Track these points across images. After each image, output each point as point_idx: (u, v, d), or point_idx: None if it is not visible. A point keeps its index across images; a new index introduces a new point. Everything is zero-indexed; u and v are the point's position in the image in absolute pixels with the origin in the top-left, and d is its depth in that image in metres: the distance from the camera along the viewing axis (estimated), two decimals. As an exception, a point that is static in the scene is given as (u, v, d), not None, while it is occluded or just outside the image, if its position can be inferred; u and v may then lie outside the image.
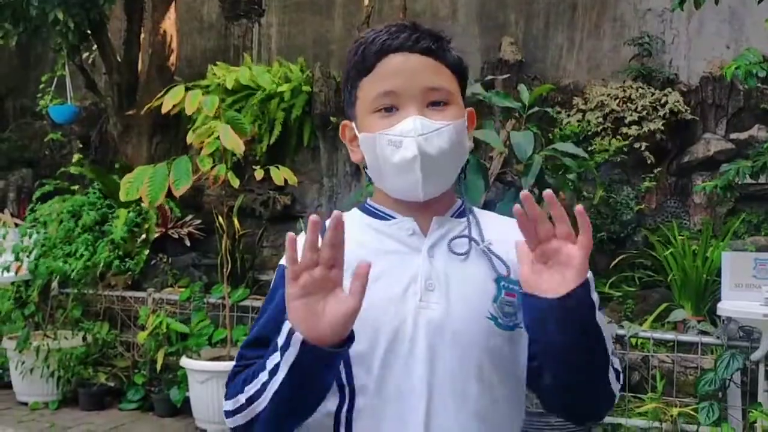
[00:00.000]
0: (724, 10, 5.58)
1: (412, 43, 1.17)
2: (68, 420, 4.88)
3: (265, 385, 1.06)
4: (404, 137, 1.13)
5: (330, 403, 1.12)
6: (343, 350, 1.03)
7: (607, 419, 4.16)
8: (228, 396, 1.13)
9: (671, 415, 3.87)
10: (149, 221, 5.77)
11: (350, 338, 1.03)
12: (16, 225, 5.79)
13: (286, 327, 1.02)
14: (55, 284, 5.34)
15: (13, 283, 5.33)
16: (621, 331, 4.30)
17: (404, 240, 1.18)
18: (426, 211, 1.20)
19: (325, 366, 1.04)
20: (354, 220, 1.22)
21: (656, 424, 3.92)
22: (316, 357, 1.01)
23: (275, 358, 1.04)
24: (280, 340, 1.03)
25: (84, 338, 5.23)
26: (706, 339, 4.16)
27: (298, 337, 1.00)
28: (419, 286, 1.14)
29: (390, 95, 1.16)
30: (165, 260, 5.84)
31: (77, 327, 5.28)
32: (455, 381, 1.12)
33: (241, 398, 1.09)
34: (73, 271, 5.12)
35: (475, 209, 1.26)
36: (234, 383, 1.13)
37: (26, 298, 5.27)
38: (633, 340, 4.31)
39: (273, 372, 1.05)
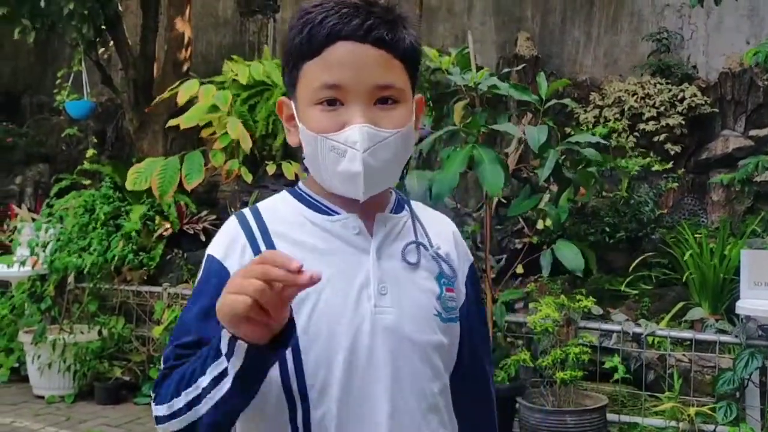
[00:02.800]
0: (744, 5, 5.51)
1: (364, 32, 1.07)
2: (84, 413, 4.92)
3: (207, 390, 0.99)
4: (349, 148, 1.06)
5: (278, 412, 1.07)
6: (287, 344, 0.97)
7: (623, 418, 4.14)
8: (160, 399, 1.05)
9: (688, 415, 3.83)
10: (171, 216, 5.80)
11: (291, 327, 0.96)
12: (33, 220, 5.83)
13: (226, 335, 0.95)
14: (71, 279, 5.37)
15: (29, 278, 5.37)
16: (638, 330, 4.26)
17: (350, 240, 1.12)
18: (365, 207, 1.13)
19: (273, 362, 0.99)
20: (288, 209, 1.15)
21: (673, 423, 3.89)
22: (264, 359, 0.96)
23: (220, 364, 0.97)
24: (223, 348, 0.96)
25: (100, 332, 5.26)
26: (724, 338, 4.11)
27: (242, 345, 0.94)
28: (372, 291, 1.10)
29: (335, 88, 1.07)
30: (180, 255, 5.86)
31: (93, 321, 5.31)
32: (415, 381, 1.11)
33: (178, 402, 1.02)
34: (87, 265, 5.15)
35: (412, 202, 1.22)
36: (165, 384, 1.05)
37: (42, 293, 5.31)
38: (650, 339, 4.27)
39: (217, 379, 0.98)
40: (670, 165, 5.30)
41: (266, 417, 1.08)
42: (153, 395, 1.08)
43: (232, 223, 1.15)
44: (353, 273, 1.11)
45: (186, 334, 1.09)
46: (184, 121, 4.31)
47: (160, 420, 1.05)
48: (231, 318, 0.91)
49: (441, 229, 1.22)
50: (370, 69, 1.08)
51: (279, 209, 1.16)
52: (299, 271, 0.88)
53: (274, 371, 1.05)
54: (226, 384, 0.97)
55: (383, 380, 1.09)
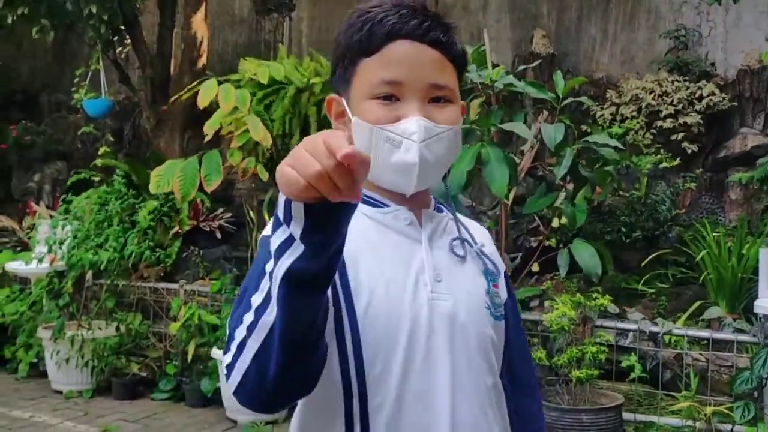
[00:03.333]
0: (763, 2, 5.46)
1: (423, 32, 1.11)
2: (102, 409, 4.96)
3: (272, 279, 0.91)
4: (405, 139, 1.09)
5: (335, 401, 1.07)
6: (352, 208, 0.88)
7: (640, 417, 4.12)
8: (227, 348, 0.99)
9: (705, 414, 3.81)
10: (182, 214, 5.83)
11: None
12: (51, 217, 5.89)
13: (281, 198, 0.87)
14: (89, 275, 5.42)
15: (47, 274, 5.43)
16: (654, 328, 4.24)
17: (402, 230, 1.15)
18: (411, 203, 1.17)
19: (337, 218, 0.86)
20: None
21: (690, 422, 3.86)
22: (327, 212, 0.85)
23: (282, 234, 0.88)
24: (280, 213, 0.88)
25: (117, 328, 5.31)
26: (741, 337, 4.08)
27: (298, 204, 0.85)
28: (428, 277, 1.12)
29: (393, 84, 1.10)
30: (196, 253, 5.90)
31: (111, 317, 5.36)
32: (473, 373, 1.13)
33: (248, 318, 0.96)
34: (104, 262, 5.19)
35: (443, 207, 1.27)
36: (231, 334, 0.99)
37: (60, 289, 5.37)
38: (666, 338, 4.25)
39: (282, 249, 0.88)
40: (677, 162, 5.25)
41: (324, 407, 1.08)
42: (226, 371, 1.00)
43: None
44: (408, 261, 1.13)
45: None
46: (208, 127, 4.39)
47: (230, 367, 0.97)
48: (286, 189, 0.84)
49: (479, 231, 1.28)
50: (427, 68, 1.11)
51: None
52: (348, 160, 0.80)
53: (333, 358, 1.04)
54: (296, 250, 0.87)
55: (442, 370, 1.10)
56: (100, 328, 5.28)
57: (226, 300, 5.21)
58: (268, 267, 0.93)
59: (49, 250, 5.32)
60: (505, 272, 1.29)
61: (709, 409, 3.81)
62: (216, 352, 4.76)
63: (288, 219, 0.87)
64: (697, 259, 4.87)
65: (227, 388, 4.74)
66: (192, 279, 5.70)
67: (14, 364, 5.65)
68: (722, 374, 4.20)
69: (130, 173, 6.00)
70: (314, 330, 0.95)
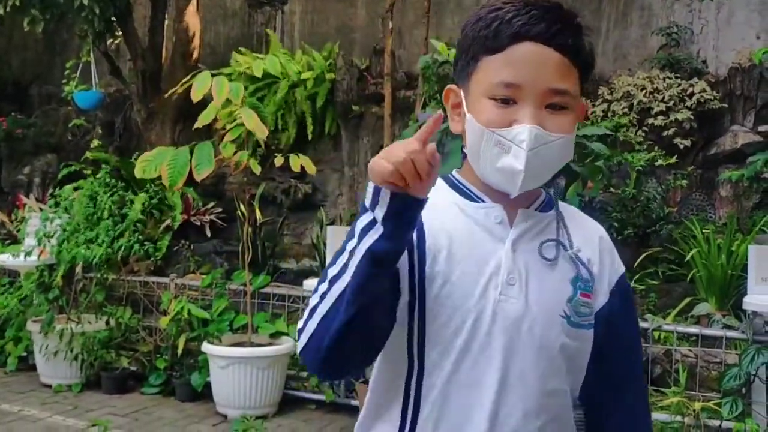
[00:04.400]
0: (755, 0, 5.48)
1: (550, 36, 1.10)
2: (91, 403, 4.95)
3: (351, 255, 1.04)
4: (514, 145, 1.10)
5: (399, 371, 1.15)
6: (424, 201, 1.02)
7: (628, 412, 4.13)
8: (304, 318, 1.10)
9: (694, 410, 3.83)
10: (175, 209, 5.82)
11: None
12: (41, 210, 5.85)
13: (371, 186, 1.02)
14: (78, 269, 5.40)
15: (37, 268, 5.40)
16: (644, 324, 4.26)
17: (491, 228, 1.16)
18: (513, 200, 1.17)
19: (414, 209, 1.02)
20: (439, 194, 1.17)
21: (678, 418, 3.88)
22: (406, 203, 1.00)
23: (365, 218, 1.03)
24: (367, 201, 1.02)
25: (107, 322, 5.29)
26: (730, 333, 4.10)
27: (386, 191, 0.99)
28: (501, 279, 1.13)
29: (511, 87, 1.11)
30: (187, 247, 5.88)
31: (101, 311, 5.34)
32: (526, 376, 1.12)
33: (322, 287, 1.07)
34: (94, 257, 5.17)
35: (561, 204, 1.25)
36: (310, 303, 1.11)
37: (50, 283, 5.34)
38: (656, 334, 4.27)
39: (366, 230, 1.02)
40: (674, 159, 5.28)
41: (392, 379, 1.17)
42: (297, 335, 1.13)
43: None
44: (486, 259, 1.14)
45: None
46: (201, 120, 4.36)
47: (301, 332, 1.10)
48: (379, 177, 0.99)
49: (587, 234, 1.23)
50: (549, 72, 1.11)
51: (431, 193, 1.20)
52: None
53: (404, 335, 1.14)
54: (377, 231, 1.01)
55: (494, 368, 1.11)
56: (89, 322, 5.25)
57: (217, 294, 5.20)
58: (350, 245, 1.04)
59: (39, 243, 5.29)
60: (621, 277, 1.24)
61: (697, 405, 3.83)
62: (206, 347, 4.75)
63: (374, 205, 1.01)
64: (687, 257, 4.89)
65: (217, 382, 4.76)
66: (182, 273, 5.68)
67: (3, 358, 5.62)
68: (711, 370, 4.22)
69: (119, 167, 5.98)
70: (379, 301, 1.06)
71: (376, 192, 1.00)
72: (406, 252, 1.09)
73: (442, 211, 1.17)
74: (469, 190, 1.20)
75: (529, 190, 1.16)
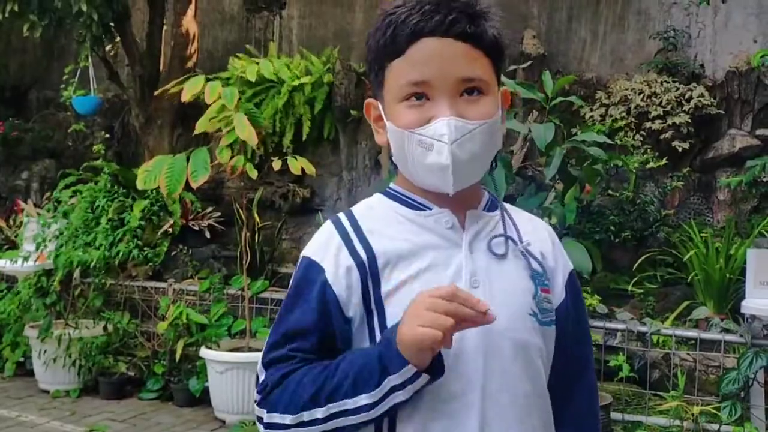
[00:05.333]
0: (752, 4, 5.49)
1: (446, 27, 1.09)
2: (89, 408, 4.93)
3: (361, 408, 1.05)
4: (436, 141, 1.08)
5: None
6: (442, 371, 1.06)
7: (627, 417, 4.13)
8: (275, 407, 1.09)
9: (692, 414, 3.82)
10: (174, 215, 5.81)
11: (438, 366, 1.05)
12: (39, 215, 5.85)
13: (407, 369, 1.02)
14: (76, 274, 5.39)
15: (35, 273, 5.39)
16: (643, 328, 4.25)
17: (443, 233, 1.14)
18: (457, 203, 1.15)
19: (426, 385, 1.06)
20: (381, 208, 1.18)
21: (677, 422, 3.88)
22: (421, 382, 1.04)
23: (384, 386, 1.03)
24: (400, 379, 1.03)
25: (105, 328, 5.28)
26: (729, 337, 4.10)
27: (411, 369, 1.02)
28: (464, 283, 1.10)
29: (421, 85, 1.10)
30: (185, 252, 5.88)
31: (98, 316, 5.33)
32: (507, 379, 1.10)
33: (314, 414, 1.06)
34: (93, 261, 5.16)
35: (505, 204, 1.24)
36: (284, 393, 1.08)
37: (48, 288, 5.33)
38: (654, 338, 4.26)
39: (383, 398, 1.04)
40: (664, 161, 5.27)
41: None
42: (260, 400, 1.11)
43: (326, 226, 1.18)
44: (445, 266, 1.12)
45: (301, 337, 1.11)
46: (199, 127, 4.37)
47: (275, 427, 1.09)
48: (420, 346, 1.00)
49: (534, 229, 1.22)
50: (454, 63, 1.09)
51: (373, 208, 1.19)
52: (485, 312, 0.98)
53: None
54: (393, 399, 1.04)
55: (473, 373, 1.09)
56: (87, 327, 5.24)
57: (215, 299, 5.19)
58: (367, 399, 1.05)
59: (37, 248, 5.28)
60: (571, 273, 1.23)
61: (696, 409, 3.83)
62: (204, 352, 4.74)
63: (403, 385, 1.03)
64: (684, 260, 4.89)
65: (216, 387, 4.74)
66: (180, 278, 5.67)
67: (1, 363, 5.61)
68: (709, 374, 4.22)
69: (117, 174, 5.98)
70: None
71: (415, 377, 1.02)
72: (355, 277, 1.10)
73: (389, 225, 1.15)
74: (413, 200, 1.17)
75: (469, 191, 1.15)
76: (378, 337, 1.09)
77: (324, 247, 1.14)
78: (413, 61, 1.10)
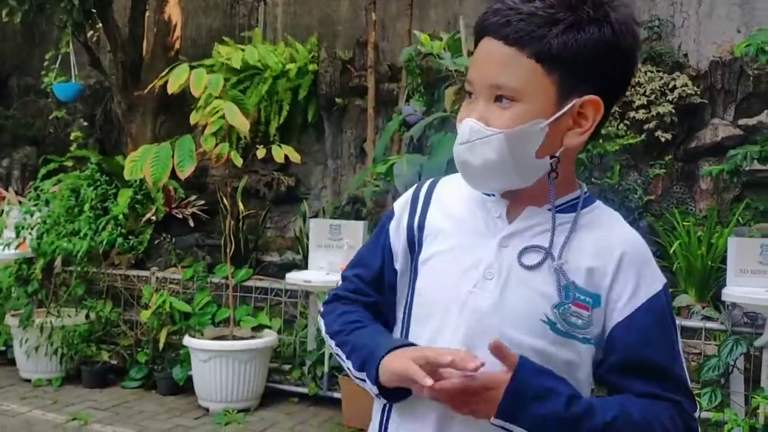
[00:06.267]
0: (736, -6, 5.51)
1: (498, 28, 1.08)
2: (71, 397, 4.91)
3: (350, 369, 1.21)
4: (457, 140, 1.14)
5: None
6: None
7: (609, 403, 4.17)
8: (325, 320, 1.29)
9: (673, 400, 3.86)
10: (156, 202, 5.76)
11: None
12: (20, 203, 5.79)
13: (373, 390, 1.17)
14: (58, 262, 5.34)
15: (16, 261, 5.34)
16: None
17: (489, 221, 1.17)
18: (521, 197, 1.15)
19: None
20: (455, 182, 1.22)
21: (658, 409, 3.91)
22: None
23: (363, 382, 1.19)
24: (368, 385, 1.17)
25: (87, 316, 5.24)
26: (710, 324, 4.14)
27: (374, 389, 1.16)
28: (478, 272, 1.13)
29: (468, 83, 1.15)
30: (169, 240, 5.84)
31: (81, 305, 5.29)
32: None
33: (331, 342, 1.26)
34: (77, 250, 5.12)
35: (599, 206, 1.19)
36: (332, 313, 1.28)
37: (29, 276, 5.28)
38: (636, 325, 4.29)
39: (359, 379, 1.20)
40: (642, 137, 5.28)
41: None
42: (322, 310, 1.32)
43: (413, 188, 1.29)
44: (471, 250, 1.16)
45: (362, 266, 1.29)
46: (193, 119, 4.38)
47: (323, 324, 1.30)
48: (397, 383, 1.12)
49: (604, 246, 1.13)
50: (491, 67, 1.10)
51: (455, 181, 1.23)
52: (476, 369, 1.02)
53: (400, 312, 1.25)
54: (365, 385, 1.19)
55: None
56: (69, 316, 5.21)
57: (198, 287, 5.17)
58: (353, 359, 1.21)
59: (18, 236, 5.23)
60: (654, 297, 1.16)
61: (677, 396, 3.86)
62: (188, 340, 4.72)
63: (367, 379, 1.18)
64: (670, 248, 4.93)
65: (199, 375, 4.73)
66: (164, 266, 5.64)
67: (-19, 352, 5.56)
68: (690, 361, 4.26)
69: (100, 162, 5.92)
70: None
71: (376, 396, 1.18)
72: (405, 237, 1.23)
73: (455, 200, 1.22)
74: None
75: (535, 188, 1.13)
76: (408, 295, 1.21)
77: (402, 202, 1.27)
78: (473, 59, 1.16)
